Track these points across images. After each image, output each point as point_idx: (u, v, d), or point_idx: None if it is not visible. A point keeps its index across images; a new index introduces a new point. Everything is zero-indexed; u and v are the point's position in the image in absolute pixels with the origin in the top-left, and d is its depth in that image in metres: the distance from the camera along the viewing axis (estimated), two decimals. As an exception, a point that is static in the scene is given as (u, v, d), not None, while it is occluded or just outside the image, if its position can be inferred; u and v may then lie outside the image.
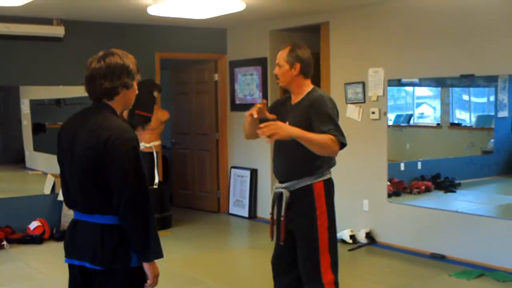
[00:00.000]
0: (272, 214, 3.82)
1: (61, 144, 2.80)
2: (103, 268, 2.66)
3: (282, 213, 3.67)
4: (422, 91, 8.01)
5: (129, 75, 2.77)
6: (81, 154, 2.66)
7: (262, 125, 3.37)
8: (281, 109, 3.78)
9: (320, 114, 3.53)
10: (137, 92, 2.86)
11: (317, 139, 3.42)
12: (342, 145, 3.50)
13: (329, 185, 3.70)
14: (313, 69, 3.78)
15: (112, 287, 2.70)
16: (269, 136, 3.36)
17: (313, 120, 3.54)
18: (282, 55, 3.70)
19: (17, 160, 8.48)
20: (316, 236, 3.62)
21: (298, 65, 3.67)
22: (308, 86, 3.73)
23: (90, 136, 2.65)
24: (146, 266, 2.70)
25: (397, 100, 7.77)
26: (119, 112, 2.79)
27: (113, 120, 2.69)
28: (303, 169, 3.62)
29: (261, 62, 8.24)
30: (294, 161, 3.62)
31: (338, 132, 3.48)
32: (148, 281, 2.76)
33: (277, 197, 3.78)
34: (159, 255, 2.74)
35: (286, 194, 3.65)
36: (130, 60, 2.79)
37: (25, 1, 5.78)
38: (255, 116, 3.63)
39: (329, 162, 3.70)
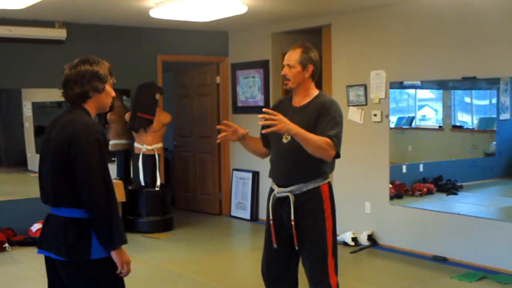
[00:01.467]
0: (273, 219, 3.73)
1: (41, 144, 3.04)
2: (66, 260, 2.84)
3: (292, 218, 3.61)
4: (424, 93, 8.02)
5: (100, 80, 2.94)
6: (51, 151, 2.88)
7: (266, 110, 3.38)
8: (281, 111, 3.74)
9: (327, 117, 3.53)
10: (113, 94, 3.04)
11: (314, 140, 3.40)
12: (337, 154, 3.50)
13: (331, 188, 3.70)
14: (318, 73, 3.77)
15: (75, 277, 2.87)
16: (268, 126, 3.36)
17: (318, 120, 3.53)
18: (294, 56, 3.64)
19: (19, 163, 8.48)
20: (325, 239, 3.60)
21: (311, 67, 3.64)
22: (314, 90, 3.71)
23: (59, 133, 2.88)
24: (113, 254, 2.84)
25: (399, 102, 7.77)
26: (93, 113, 2.99)
27: (80, 118, 2.90)
28: (311, 173, 3.59)
29: (263, 65, 8.24)
30: (301, 165, 3.57)
31: (338, 140, 3.48)
32: (119, 269, 2.87)
33: (277, 202, 3.71)
34: (123, 241, 2.85)
35: (292, 198, 3.61)
36: (100, 66, 2.95)
37: (27, 4, 5.78)
38: (228, 136, 3.68)
39: (331, 166, 3.70)
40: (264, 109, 3.39)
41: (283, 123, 3.32)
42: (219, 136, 3.74)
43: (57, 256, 2.86)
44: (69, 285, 2.91)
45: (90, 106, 2.96)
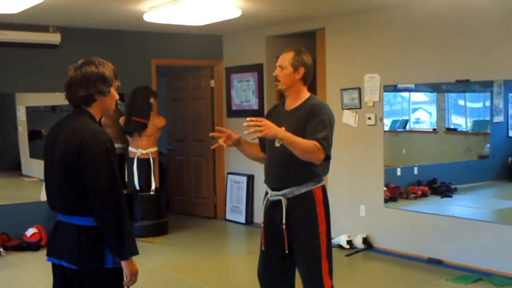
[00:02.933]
0: (265, 223, 3.74)
1: (45, 149, 2.94)
2: (79, 268, 2.80)
3: (284, 221, 3.62)
4: (418, 96, 8.03)
5: (105, 83, 2.85)
6: (59, 159, 2.80)
7: (251, 118, 3.36)
8: (274, 115, 3.77)
9: (316, 119, 3.52)
10: (117, 97, 2.97)
11: (302, 144, 3.39)
12: (327, 157, 3.50)
13: (325, 192, 3.70)
14: (311, 77, 3.78)
15: (88, 286, 2.82)
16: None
17: (307, 124, 3.53)
18: (286, 58, 3.66)
19: (13, 167, 8.46)
20: (318, 242, 3.59)
21: (302, 70, 3.65)
22: (306, 93, 3.71)
23: (66, 141, 2.80)
24: (123, 263, 2.81)
25: (393, 105, 7.78)
26: (98, 117, 2.92)
27: (88, 125, 2.82)
28: (303, 176, 3.59)
29: (257, 68, 8.25)
30: (293, 168, 3.57)
31: (326, 143, 3.47)
32: (126, 279, 2.85)
33: (271, 205, 3.72)
34: (134, 252, 2.83)
35: (284, 201, 3.61)
36: (106, 68, 2.87)
37: (21, 9, 5.78)
38: (224, 144, 3.68)
39: (325, 169, 3.69)
40: (248, 118, 3.37)
41: (269, 128, 3.32)
42: (213, 144, 3.76)
43: (70, 264, 2.81)
44: None
45: (95, 110, 2.88)
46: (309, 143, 3.41)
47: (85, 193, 2.75)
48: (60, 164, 2.80)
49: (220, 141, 3.68)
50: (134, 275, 2.85)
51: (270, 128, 3.32)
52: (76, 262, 2.79)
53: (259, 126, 3.31)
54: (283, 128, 3.45)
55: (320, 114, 3.56)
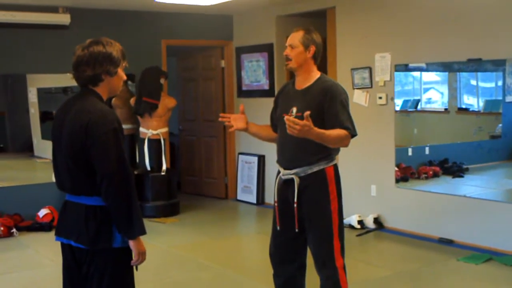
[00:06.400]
0: (278, 202, 3.76)
1: (53, 129, 2.95)
2: (87, 248, 2.81)
3: (295, 200, 3.63)
4: (430, 76, 7.98)
5: (112, 63, 2.85)
6: (66, 138, 2.81)
7: (292, 120, 3.29)
8: (284, 95, 3.80)
9: (335, 103, 3.54)
10: (124, 78, 2.96)
11: (332, 137, 3.45)
12: (353, 136, 3.56)
13: (337, 171, 3.71)
14: (321, 56, 3.78)
15: (97, 265, 2.84)
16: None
17: (327, 108, 3.54)
18: (296, 37, 3.66)
19: (25, 149, 8.51)
20: (330, 221, 3.61)
21: (313, 48, 3.65)
22: (316, 73, 3.71)
23: (74, 120, 2.80)
24: (131, 243, 2.83)
25: (405, 85, 7.73)
26: (105, 97, 2.92)
27: (95, 104, 2.82)
28: (316, 155, 3.60)
29: (268, 48, 8.21)
30: (306, 148, 3.57)
31: (350, 124, 3.53)
32: (134, 258, 2.87)
33: (284, 184, 3.73)
34: (142, 232, 2.84)
35: (297, 180, 3.62)
36: (113, 48, 2.86)
37: (31, -11, 5.78)
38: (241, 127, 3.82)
39: (337, 149, 3.71)
40: (290, 118, 3.31)
41: (302, 133, 3.29)
42: (230, 130, 3.84)
43: (78, 244, 2.82)
44: (88, 272, 2.87)
45: (102, 90, 2.88)
46: (337, 134, 3.47)
47: (93, 173, 2.75)
48: (68, 144, 2.80)
49: (231, 128, 3.79)
50: (141, 254, 2.86)
51: (302, 132, 3.30)
52: (85, 242, 2.80)
53: (295, 128, 3.28)
54: (294, 109, 3.57)
55: (336, 96, 3.57)
